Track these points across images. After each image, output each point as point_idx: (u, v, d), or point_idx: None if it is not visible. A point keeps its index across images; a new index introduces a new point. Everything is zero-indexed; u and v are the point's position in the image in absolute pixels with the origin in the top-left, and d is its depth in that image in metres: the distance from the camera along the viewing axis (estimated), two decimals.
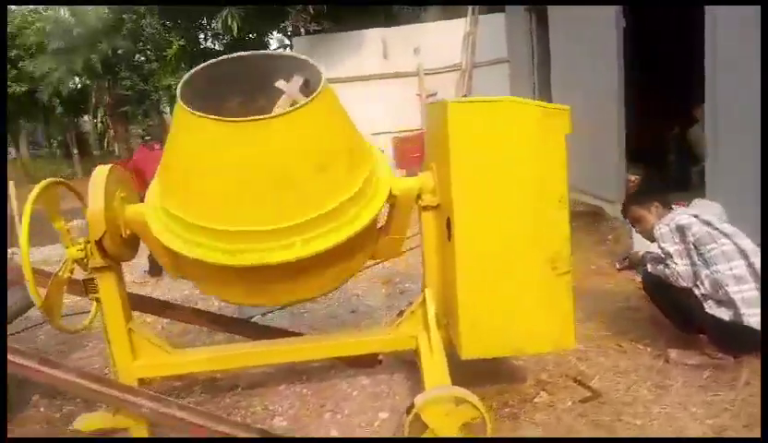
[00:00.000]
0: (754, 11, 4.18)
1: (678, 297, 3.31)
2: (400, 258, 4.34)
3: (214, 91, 2.75)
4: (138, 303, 3.67)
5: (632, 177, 7.00)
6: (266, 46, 15.50)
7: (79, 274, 3.13)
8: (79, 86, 21.33)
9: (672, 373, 3.33)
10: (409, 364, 3.54)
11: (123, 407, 2.91)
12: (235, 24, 10.83)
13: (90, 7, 17.01)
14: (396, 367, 3.68)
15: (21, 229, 2.76)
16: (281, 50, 14.28)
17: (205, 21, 14.22)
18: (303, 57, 2.86)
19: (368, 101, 10.11)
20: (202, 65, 2.73)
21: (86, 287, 3.10)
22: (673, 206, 3.64)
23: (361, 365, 3.70)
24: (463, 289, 2.76)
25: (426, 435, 2.67)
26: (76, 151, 23.60)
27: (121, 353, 3.12)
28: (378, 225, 3.16)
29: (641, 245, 4.13)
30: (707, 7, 5.02)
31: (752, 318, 3.04)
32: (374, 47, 11.05)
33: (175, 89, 2.71)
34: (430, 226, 3.07)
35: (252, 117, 2.49)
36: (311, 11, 10.85)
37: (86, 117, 25.47)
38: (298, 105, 2.53)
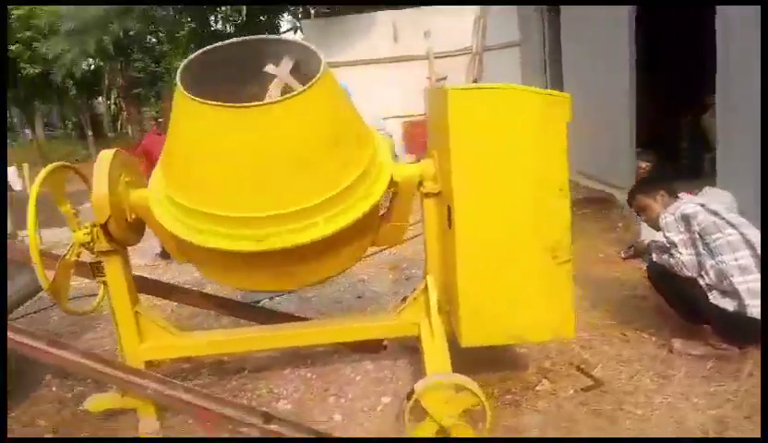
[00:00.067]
0: None
1: (682, 287, 3.30)
2: (407, 244, 4.37)
3: (210, 77, 2.74)
4: (145, 286, 3.72)
5: (643, 164, 6.92)
6: (277, 28, 15.46)
7: (89, 257, 3.18)
8: (93, 68, 21.42)
9: (675, 363, 3.32)
10: (413, 349, 3.56)
11: (129, 389, 2.97)
12: (245, 7, 10.81)
13: None
14: (400, 353, 3.71)
15: (28, 212, 2.80)
16: (288, 34, 14.22)
17: None
18: (298, 41, 2.86)
19: (378, 84, 10.08)
20: (198, 51, 2.73)
21: (93, 270, 3.14)
22: (679, 195, 3.61)
23: (365, 350, 3.73)
24: (463, 277, 2.77)
25: (426, 421, 2.71)
26: (90, 133, 23.79)
27: (128, 335, 3.17)
28: (381, 212, 3.18)
29: (649, 233, 4.11)
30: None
31: (756, 309, 3.02)
32: (384, 30, 10.95)
33: None
34: (431, 213, 3.07)
35: (259, 102, 2.50)
36: None
37: (100, 99, 25.63)
38: (302, 89, 2.52)
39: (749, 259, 3.10)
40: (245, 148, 2.52)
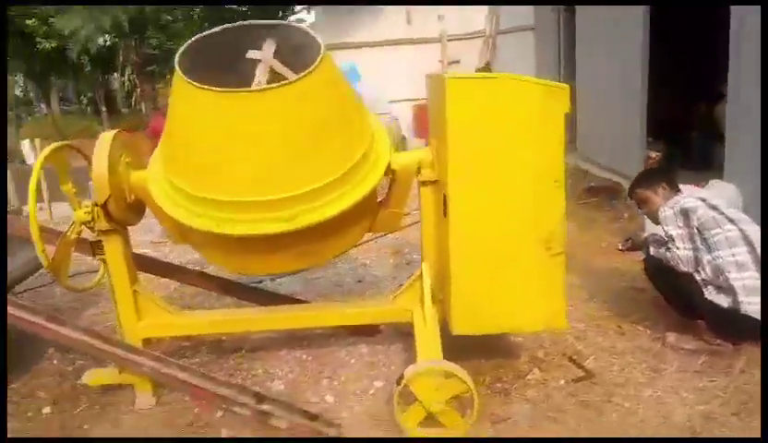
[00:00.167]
0: None
1: (678, 282, 3.29)
2: (409, 230, 4.39)
3: (210, 63, 2.75)
4: (144, 264, 3.77)
5: (653, 154, 6.87)
6: (291, 8, 15.40)
7: (91, 235, 3.23)
8: (108, 44, 21.45)
9: (668, 357, 3.32)
10: (407, 335, 3.57)
11: (125, 366, 3.04)
12: None
13: None
14: (395, 338, 3.74)
15: (29, 190, 2.84)
16: (302, 14, 14.13)
17: None
18: (296, 25, 2.85)
19: (390, 66, 10.04)
20: (195, 37, 2.74)
21: (93, 249, 3.20)
22: (682, 187, 3.59)
23: (361, 333, 3.77)
24: (456, 265, 2.78)
25: (415, 406, 2.75)
26: (104, 109, 23.90)
27: (126, 313, 3.22)
28: (379, 199, 3.19)
29: (653, 226, 4.08)
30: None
31: (751, 306, 3.01)
32: (397, 12, 10.88)
33: None
34: (428, 201, 3.08)
35: (265, 86, 2.51)
36: None
37: (115, 75, 25.71)
38: (299, 76, 2.52)
39: (746, 256, 3.08)
40: (238, 133, 2.54)
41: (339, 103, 2.79)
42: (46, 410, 3.27)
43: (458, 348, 2.95)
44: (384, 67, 9.91)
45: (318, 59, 2.56)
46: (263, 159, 2.58)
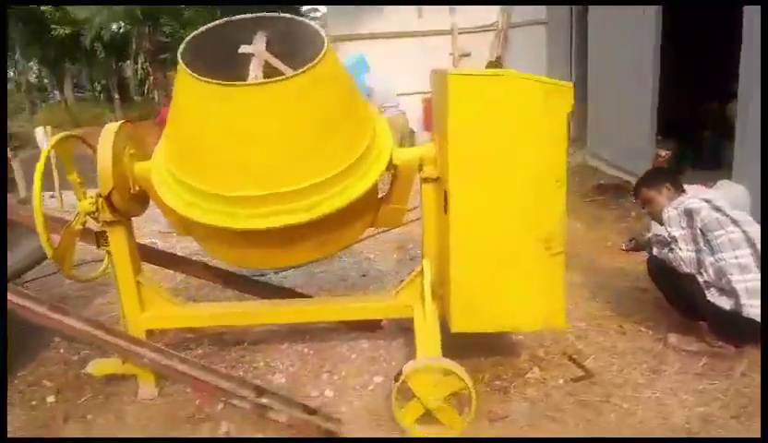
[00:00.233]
0: None
1: (681, 283, 3.27)
2: (414, 225, 4.39)
3: (207, 57, 2.76)
4: (149, 255, 3.80)
5: (662, 152, 6.81)
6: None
7: (96, 225, 3.26)
8: (121, 31, 21.54)
9: (669, 358, 3.31)
10: (409, 330, 3.58)
11: (127, 357, 3.07)
12: None
13: None
14: (397, 333, 3.75)
15: (34, 182, 2.87)
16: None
17: None
18: (297, 18, 2.83)
19: (400, 59, 9.99)
20: (196, 32, 2.74)
21: (97, 239, 3.22)
22: (688, 188, 3.56)
23: (363, 328, 3.79)
24: (456, 263, 2.78)
25: (413, 403, 2.76)
26: (117, 96, 24.01)
27: (130, 304, 3.25)
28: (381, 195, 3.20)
29: (657, 226, 4.06)
30: None
31: (753, 309, 2.99)
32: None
33: None
34: (430, 198, 3.08)
35: (266, 79, 2.51)
36: None
37: (128, 63, 25.80)
38: (298, 71, 2.52)
39: (749, 258, 3.06)
40: (255, 126, 2.54)
41: (346, 93, 2.80)
42: (51, 399, 3.32)
43: (458, 345, 2.96)
44: (394, 60, 9.86)
45: (323, 50, 2.56)
46: (278, 151, 2.58)
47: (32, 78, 29.15)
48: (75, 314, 3.05)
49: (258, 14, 2.79)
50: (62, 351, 3.89)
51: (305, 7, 18.21)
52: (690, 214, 3.19)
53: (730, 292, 3.06)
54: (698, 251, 3.17)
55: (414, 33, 10.81)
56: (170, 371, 3.00)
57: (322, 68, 2.55)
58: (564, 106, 2.59)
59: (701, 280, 3.19)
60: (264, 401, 2.89)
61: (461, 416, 2.77)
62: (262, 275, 4.76)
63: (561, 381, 3.17)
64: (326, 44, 2.62)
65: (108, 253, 3.26)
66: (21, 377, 3.59)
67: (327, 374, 3.42)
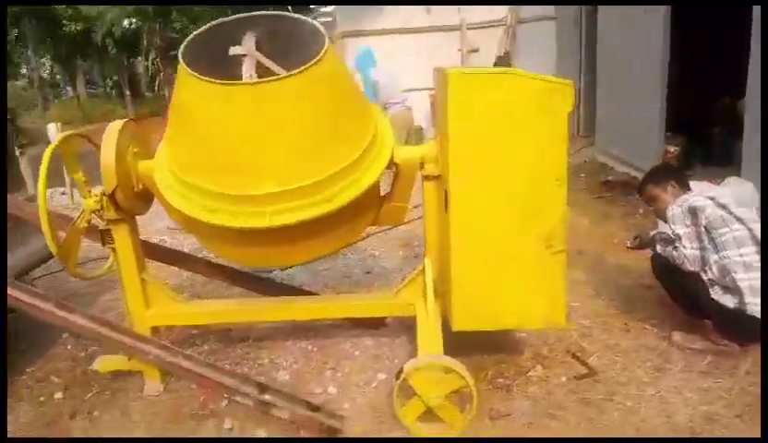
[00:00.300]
0: None
1: (685, 281, 3.25)
2: (420, 222, 4.38)
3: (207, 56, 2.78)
4: (154, 252, 3.83)
5: (671, 149, 6.76)
6: None
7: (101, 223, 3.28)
8: (132, 27, 21.67)
9: (673, 356, 3.29)
10: (412, 328, 3.57)
11: (132, 353, 3.10)
12: None
13: None
14: (401, 331, 3.76)
15: (39, 180, 2.90)
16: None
17: None
18: (299, 17, 2.84)
19: (408, 55, 9.96)
20: (198, 30, 2.76)
21: (102, 237, 3.25)
22: (695, 184, 3.53)
23: (367, 325, 3.80)
24: (456, 261, 2.78)
25: (414, 400, 2.77)
26: (128, 93, 24.17)
27: (134, 301, 3.29)
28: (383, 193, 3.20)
29: (663, 223, 4.03)
30: None
31: (757, 307, 2.96)
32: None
33: None
34: (431, 196, 3.08)
35: (268, 78, 2.52)
36: None
37: (139, 59, 25.96)
38: (298, 70, 2.52)
39: (753, 256, 3.03)
40: (268, 124, 2.55)
41: (347, 90, 2.83)
42: (58, 395, 3.36)
43: (462, 343, 2.97)
44: (402, 56, 9.84)
45: (324, 48, 2.57)
46: (294, 145, 2.60)
47: (45, 75, 29.40)
48: (80, 311, 3.08)
49: (255, 12, 2.80)
50: (69, 347, 3.94)
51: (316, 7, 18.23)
52: (694, 212, 3.17)
53: (734, 290, 3.04)
54: (702, 249, 3.14)
55: (422, 29, 10.77)
56: (174, 368, 3.03)
57: (322, 66, 2.55)
58: (565, 105, 2.58)
59: (705, 278, 3.16)
60: (267, 397, 2.91)
61: (462, 414, 2.77)
62: (270, 272, 4.78)
63: (564, 379, 3.16)
64: (326, 42, 2.63)
65: (113, 250, 3.29)
66: (30, 373, 3.64)
67: (330, 371, 3.43)
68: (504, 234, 2.74)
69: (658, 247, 3.39)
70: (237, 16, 2.81)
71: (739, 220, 3.11)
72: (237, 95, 2.51)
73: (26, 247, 3.90)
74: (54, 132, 14.07)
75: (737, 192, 4.01)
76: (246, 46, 2.77)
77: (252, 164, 2.62)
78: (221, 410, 3.11)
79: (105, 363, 3.33)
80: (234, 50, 2.76)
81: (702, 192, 3.32)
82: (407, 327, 3.72)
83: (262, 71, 2.77)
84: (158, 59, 20.88)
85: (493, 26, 10.61)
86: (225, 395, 3.04)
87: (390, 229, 5.09)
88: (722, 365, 3.17)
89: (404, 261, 5.06)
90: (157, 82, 23.75)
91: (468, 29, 10.55)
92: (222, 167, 2.64)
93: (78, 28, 20.49)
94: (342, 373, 3.40)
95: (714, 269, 3.12)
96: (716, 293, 3.12)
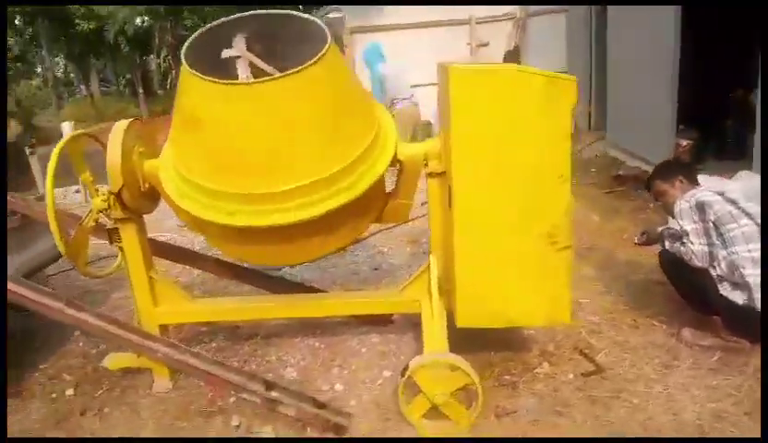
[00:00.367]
0: None
1: (693, 277, 3.21)
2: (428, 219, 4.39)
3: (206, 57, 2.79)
4: (162, 250, 3.86)
5: (684, 142, 6.68)
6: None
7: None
8: (144, 25, 21.81)
9: (682, 353, 3.26)
10: (420, 325, 3.59)
11: (140, 351, 3.13)
12: None
13: None
14: (408, 328, 3.76)
15: (47, 180, 2.93)
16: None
17: None
18: (301, 15, 2.84)
19: (417, 50, 9.91)
20: (200, 30, 2.77)
21: (110, 236, 3.28)
22: (708, 178, 3.49)
23: (374, 322, 3.81)
24: (460, 258, 2.78)
25: (419, 397, 2.77)
26: (141, 90, 24.34)
27: (143, 299, 3.32)
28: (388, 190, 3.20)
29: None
30: None
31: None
32: None
33: None
34: (435, 193, 3.07)
35: (270, 76, 2.54)
36: None
37: (152, 57, 26.16)
38: (299, 68, 2.53)
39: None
40: (276, 121, 2.57)
41: (349, 87, 2.83)
42: (69, 392, 3.40)
43: (469, 339, 2.97)
44: (411, 50, 9.79)
45: (328, 44, 2.58)
46: (309, 140, 2.63)
47: (59, 73, 29.68)
48: (89, 309, 3.12)
49: (254, 11, 2.81)
50: (81, 344, 3.99)
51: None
52: (702, 207, 3.13)
53: (743, 286, 3.01)
54: (710, 245, 3.11)
55: (431, 23, 10.72)
56: (181, 365, 3.06)
57: (321, 64, 2.55)
58: (567, 100, 2.56)
59: (713, 274, 3.13)
60: (274, 395, 2.93)
61: (468, 411, 2.77)
62: (279, 269, 4.80)
63: (571, 376, 3.15)
64: (328, 39, 2.63)
65: (121, 249, 3.32)
66: (42, 369, 3.69)
67: (337, 368, 3.44)
68: (507, 231, 2.73)
69: (666, 243, 3.36)
70: (237, 15, 2.82)
71: (748, 215, 3.08)
72: (243, 94, 2.52)
73: (37, 246, 3.95)
74: (67, 130, 14.23)
75: (747, 186, 3.95)
76: (237, 48, 2.78)
77: (264, 163, 2.63)
78: (228, 407, 3.14)
79: (115, 360, 3.38)
80: (226, 53, 2.78)
81: (711, 187, 3.28)
82: (414, 324, 3.71)
83: (257, 71, 2.79)
84: (170, 57, 21.01)
85: (503, 20, 10.54)
86: (232, 392, 3.07)
87: (396, 225, 5.08)
88: (731, 363, 3.14)
89: (412, 258, 5.05)
90: (169, 80, 23.92)
91: (477, 23, 10.48)
92: (235, 168, 2.64)
93: (91, 27, 20.67)
94: (348, 370, 3.41)
95: (723, 265, 3.09)
96: (725, 290, 3.09)
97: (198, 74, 2.50)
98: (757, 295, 2.94)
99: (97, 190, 3.16)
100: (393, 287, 3.79)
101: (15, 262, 3.73)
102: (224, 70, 2.65)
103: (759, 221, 3.06)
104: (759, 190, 4.06)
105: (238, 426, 2.99)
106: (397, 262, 5.04)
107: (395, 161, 2.97)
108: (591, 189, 6.47)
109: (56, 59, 27.96)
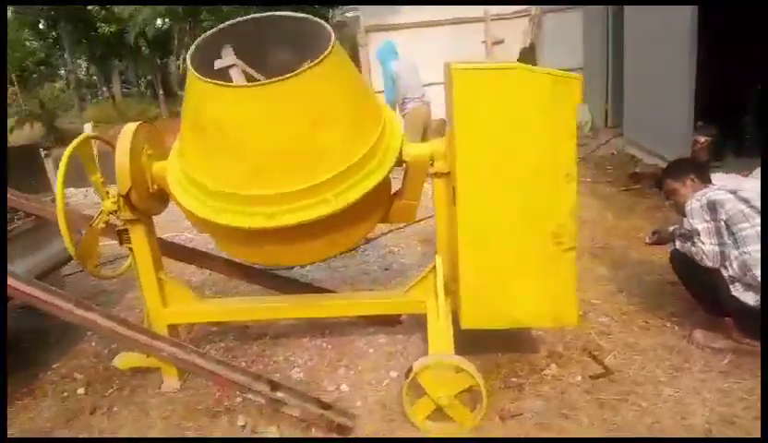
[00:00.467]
0: None
1: (705, 277, 3.15)
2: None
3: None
4: (172, 251, 3.90)
5: (702, 139, 6.56)
6: None
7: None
8: (164, 27, 22.08)
9: (693, 356, 3.20)
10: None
11: (148, 351, 3.16)
12: None
13: None
14: (415, 328, 3.74)
15: (57, 183, 2.97)
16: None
17: None
18: (307, 17, 2.84)
19: (433, 47, 9.88)
20: (205, 34, 2.79)
21: (120, 237, 3.31)
22: (724, 176, 3.42)
23: (381, 323, 3.80)
24: (465, 259, 2.76)
25: (424, 399, 2.76)
26: (161, 92, 24.64)
27: (152, 300, 3.35)
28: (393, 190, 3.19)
29: None
30: None
31: None
32: None
33: None
34: (441, 193, 3.05)
35: (274, 79, 2.54)
36: None
37: (172, 58, 26.46)
38: (301, 70, 2.53)
39: None
40: (289, 121, 2.58)
41: (354, 87, 2.83)
42: (80, 391, 3.45)
43: (476, 340, 2.95)
44: (427, 48, 9.76)
45: (331, 44, 2.58)
46: (341, 126, 2.65)
47: (81, 76, 30.15)
48: (99, 310, 3.16)
49: (260, 14, 2.82)
50: (94, 344, 4.05)
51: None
52: (713, 206, 3.07)
53: (756, 286, 2.94)
54: (722, 244, 3.04)
55: (446, 21, 10.68)
56: (188, 365, 3.08)
57: (326, 64, 2.55)
58: (572, 98, 2.52)
59: (725, 274, 3.06)
60: (279, 395, 2.94)
61: (472, 413, 2.76)
62: (290, 269, 4.82)
63: (579, 378, 3.11)
64: (332, 40, 2.62)
65: (131, 250, 3.36)
66: (55, 369, 3.75)
67: (344, 368, 3.44)
68: (512, 231, 2.70)
69: (677, 243, 3.30)
70: (241, 18, 2.84)
71: (761, 214, 3.00)
72: (264, 95, 2.54)
73: (51, 247, 4.01)
74: (89, 132, 14.48)
75: (759, 185, 3.86)
76: (229, 58, 2.81)
77: (296, 159, 2.64)
78: (235, 407, 3.15)
79: (125, 359, 3.42)
80: (219, 63, 2.80)
81: (724, 185, 3.21)
82: (422, 324, 3.66)
83: (250, 78, 2.81)
84: None
85: (518, 17, 10.46)
86: (238, 392, 3.09)
87: (407, 225, 5.06)
88: (743, 365, 3.07)
89: (424, 257, 5.03)
90: None
91: (492, 20, 10.41)
92: (271, 169, 2.65)
93: (112, 29, 20.99)
94: (354, 371, 3.41)
95: (735, 265, 3.02)
96: (737, 290, 3.03)
97: (221, 83, 2.52)
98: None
99: (107, 192, 3.20)
100: (401, 287, 3.78)
101: (29, 263, 3.80)
102: (224, 72, 2.67)
103: None
104: None
105: (244, 426, 3.00)
106: (408, 262, 5.02)
107: (401, 161, 2.96)
108: (606, 187, 6.38)
109: (79, 62, 28.40)
